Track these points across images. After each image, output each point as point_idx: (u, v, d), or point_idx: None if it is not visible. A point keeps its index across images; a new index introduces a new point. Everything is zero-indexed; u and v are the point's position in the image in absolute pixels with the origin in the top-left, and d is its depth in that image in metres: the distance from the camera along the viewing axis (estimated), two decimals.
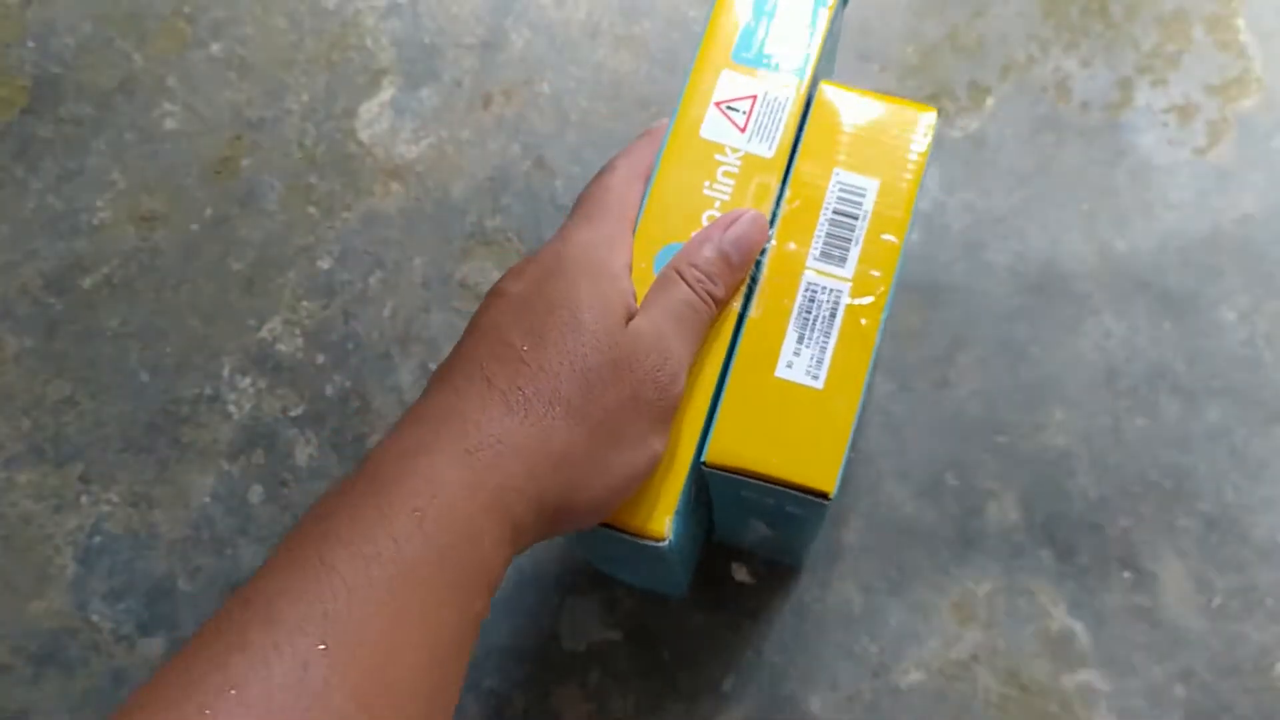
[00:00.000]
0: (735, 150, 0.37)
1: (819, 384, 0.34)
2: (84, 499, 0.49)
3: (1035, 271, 0.49)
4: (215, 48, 0.53)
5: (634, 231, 0.35)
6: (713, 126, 0.37)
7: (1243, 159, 0.50)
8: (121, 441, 0.49)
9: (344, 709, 0.24)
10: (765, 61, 0.37)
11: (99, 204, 0.51)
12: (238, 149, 0.52)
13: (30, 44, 0.53)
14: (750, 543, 0.44)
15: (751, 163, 0.36)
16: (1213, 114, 0.51)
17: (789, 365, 0.34)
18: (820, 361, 0.34)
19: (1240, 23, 0.52)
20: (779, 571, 0.47)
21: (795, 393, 0.34)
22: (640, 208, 0.36)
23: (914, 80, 0.52)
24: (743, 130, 0.37)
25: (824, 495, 0.33)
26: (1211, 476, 0.47)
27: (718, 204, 0.36)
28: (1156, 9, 0.52)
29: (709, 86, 0.37)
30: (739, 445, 0.34)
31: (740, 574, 0.47)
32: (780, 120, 0.37)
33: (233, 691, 0.24)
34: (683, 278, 0.33)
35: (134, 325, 0.50)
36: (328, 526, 0.27)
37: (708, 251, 0.34)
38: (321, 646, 0.25)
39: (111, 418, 0.49)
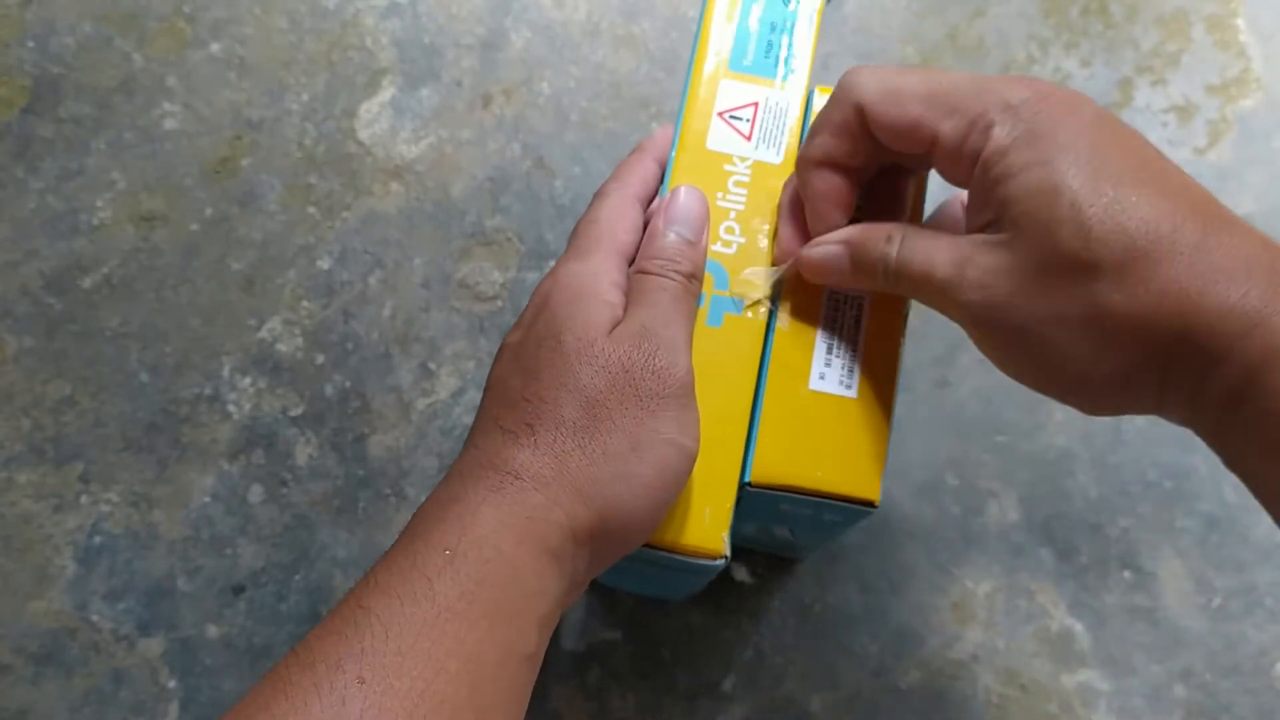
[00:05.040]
0: (744, 159, 0.37)
1: (852, 393, 0.35)
2: (84, 499, 0.49)
3: None
4: (215, 48, 0.53)
5: (629, 254, 0.35)
6: (719, 137, 0.37)
7: (1243, 159, 0.50)
8: (121, 441, 0.49)
9: None
10: (762, 68, 0.37)
11: (99, 204, 0.51)
12: (238, 149, 0.52)
13: (30, 44, 0.53)
14: (762, 543, 0.44)
15: (762, 170, 0.36)
16: (1213, 114, 0.51)
17: (821, 377, 0.35)
18: (851, 370, 0.35)
19: (1240, 23, 0.52)
20: (779, 571, 0.47)
21: (830, 404, 0.34)
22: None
23: None
24: (748, 139, 0.37)
25: (870, 504, 0.33)
26: (1211, 476, 0.47)
27: (733, 214, 0.36)
28: (1156, 9, 0.52)
29: (710, 97, 0.37)
30: (782, 463, 0.34)
31: (740, 574, 0.47)
32: (785, 125, 0.37)
33: None
34: (649, 272, 0.34)
35: (134, 325, 0.50)
36: (368, 578, 0.28)
37: (659, 240, 0.34)
38: (360, 681, 0.25)
39: (111, 418, 0.49)
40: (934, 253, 0.32)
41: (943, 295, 0.31)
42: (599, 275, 0.33)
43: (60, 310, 0.51)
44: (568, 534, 0.29)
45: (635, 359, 0.31)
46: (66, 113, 0.52)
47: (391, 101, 0.53)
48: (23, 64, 0.53)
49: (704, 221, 0.35)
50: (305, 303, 0.50)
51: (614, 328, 0.32)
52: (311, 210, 0.51)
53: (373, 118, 0.52)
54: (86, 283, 0.51)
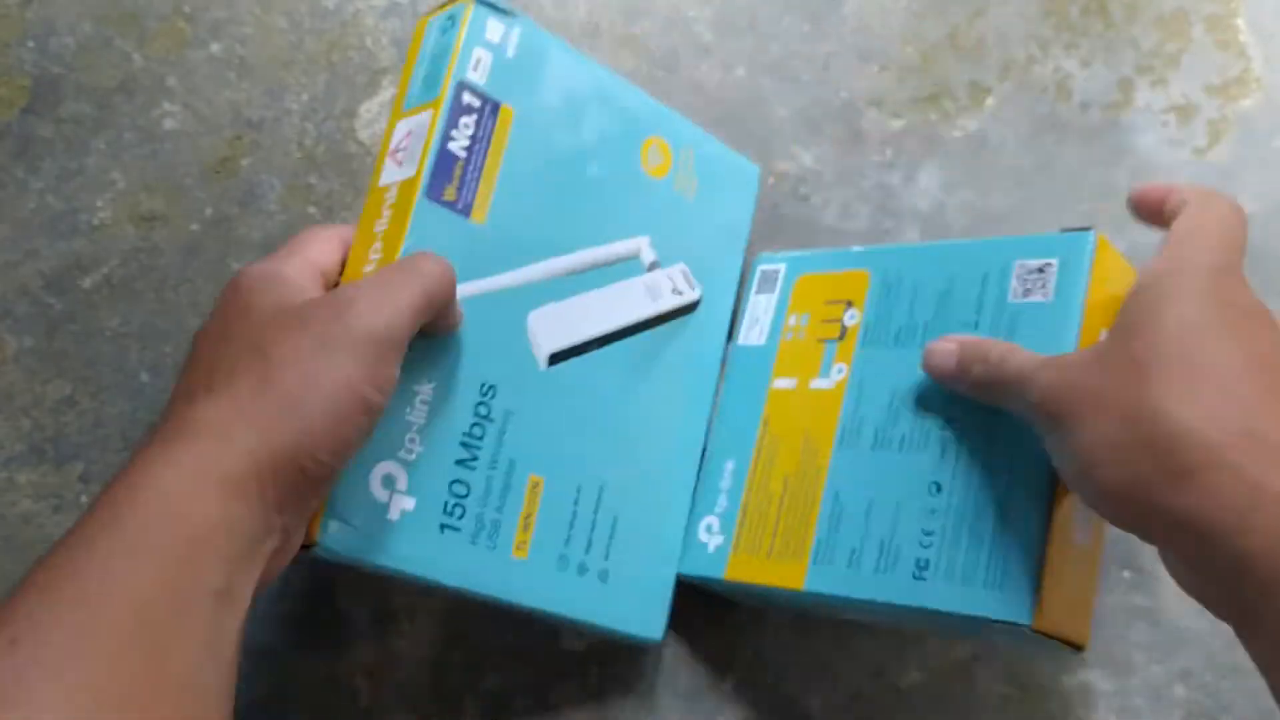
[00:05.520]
0: (394, 184, 0.39)
1: (1089, 541, 0.38)
2: (84, 499, 0.49)
3: None
4: (215, 48, 0.53)
5: (323, 266, 0.38)
6: (387, 175, 0.39)
7: (1243, 159, 0.50)
8: (121, 441, 0.49)
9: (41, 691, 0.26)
10: (422, 97, 0.40)
11: (99, 204, 0.51)
12: (238, 149, 0.52)
13: (30, 44, 0.53)
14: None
15: (404, 188, 0.38)
16: (1213, 114, 0.51)
17: (1080, 532, 0.38)
18: (1088, 519, 0.38)
19: (1240, 23, 0.52)
20: None
21: (1082, 555, 0.38)
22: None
23: (914, 80, 0.52)
24: (400, 165, 0.39)
25: (1080, 648, 0.37)
26: None
27: (380, 235, 0.38)
28: (1156, 9, 0.52)
29: (388, 142, 0.40)
30: (1062, 615, 0.36)
31: None
32: (421, 138, 0.39)
33: None
34: (404, 259, 0.36)
35: (134, 325, 0.50)
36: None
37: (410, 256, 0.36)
38: (11, 643, 0.26)
39: (111, 418, 0.49)
40: (1026, 357, 0.36)
41: (1019, 382, 0.35)
42: (285, 262, 0.35)
43: (60, 310, 0.51)
44: (250, 470, 0.30)
45: (322, 311, 0.32)
46: (66, 113, 0.52)
47: (391, 101, 0.53)
48: (23, 64, 0.53)
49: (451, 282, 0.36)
50: (368, 178, 0.50)
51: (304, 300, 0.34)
52: (311, 210, 0.51)
53: (373, 118, 0.52)
54: (86, 283, 0.51)
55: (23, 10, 0.54)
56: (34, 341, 0.50)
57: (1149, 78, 0.51)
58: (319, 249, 0.37)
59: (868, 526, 0.40)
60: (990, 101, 0.51)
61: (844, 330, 0.44)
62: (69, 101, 0.53)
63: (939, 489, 0.39)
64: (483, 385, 0.39)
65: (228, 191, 0.52)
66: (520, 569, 0.40)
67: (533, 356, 0.41)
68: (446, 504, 0.39)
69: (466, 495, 0.39)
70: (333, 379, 0.31)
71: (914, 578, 0.38)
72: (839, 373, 0.43)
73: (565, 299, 0.42)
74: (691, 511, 0.45)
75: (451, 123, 0.39)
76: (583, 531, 0.41)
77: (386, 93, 0.53)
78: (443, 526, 0.38)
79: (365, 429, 0.33)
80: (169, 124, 0.52)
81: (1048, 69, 0.52)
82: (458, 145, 0.39)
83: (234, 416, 0.31)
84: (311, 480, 0.32)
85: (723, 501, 0.44)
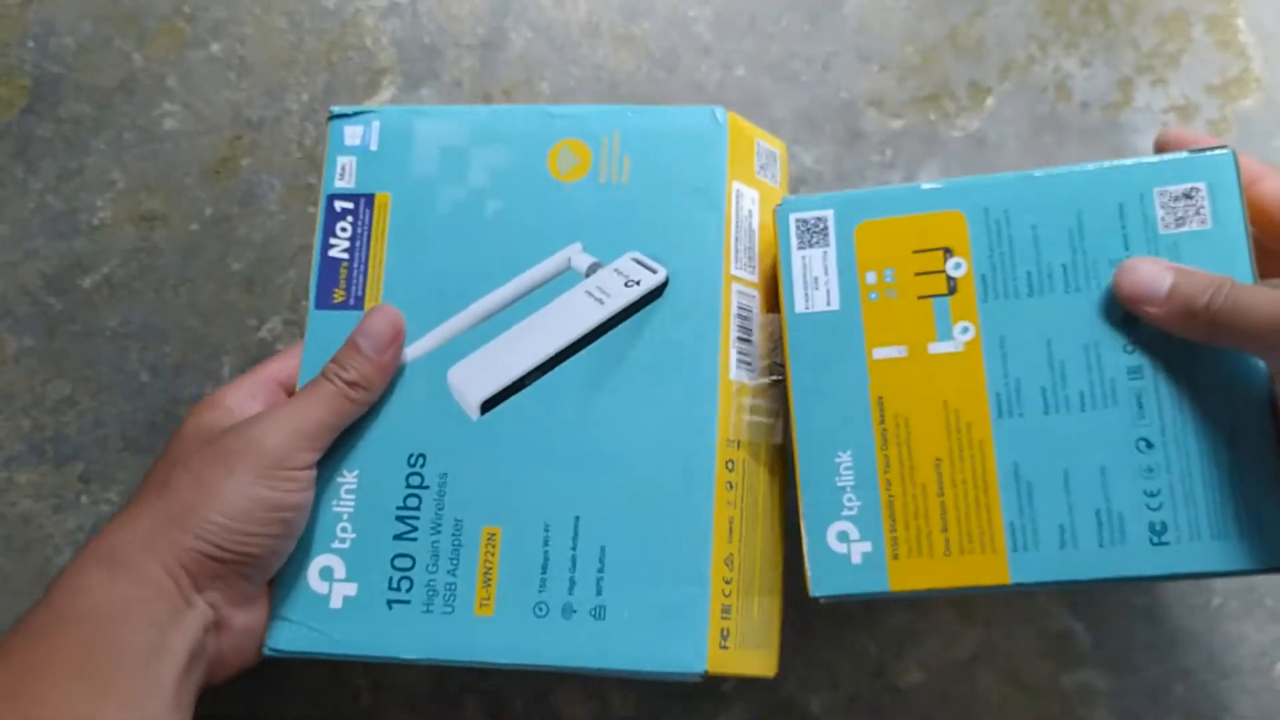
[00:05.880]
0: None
1: None
2: (84, 499, 0.49)
3: None
4: (215, 48, 0.53)
5: (280, 379, 0.42)
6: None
7: None
8: (121, 441, 0.49)
9: None
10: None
11: (99, 204, 0.51)
12: (238, 149, 0.52)
13: (30, 44, 0.53)
14: None
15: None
16: (1213, 114, 0.51)
17: None
18: None
19: (1240, 23, 0.52)
20: None
21: None
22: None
23: (914, 80, 0.52)
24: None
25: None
26: None
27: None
28: (1156, 9, 0.52)
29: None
30: None
31: None
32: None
33: None
34: (320, 373, 0.40)
35: (134, 325, 0.50)
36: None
37: (341, 348, 0.40)
38: None
39: (111, 418, 0.49)
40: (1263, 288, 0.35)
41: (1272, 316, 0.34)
42: (236, 388, 0.40)
43: (60, 310, 0.51)
44: (154, 559, 0.36)
45: (228, 435, 0.38)
46: (66, 113, 0.52)
47: (391, 101, 0.53)
48: (23, 64, 0.53)
49: (388, 338, 0.40)
50: (305, 303, 0.50)
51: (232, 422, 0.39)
52: (311, 210, 0.51)
53: None
54: (86, 283, 0.51)
55: (23, 10, 0.54)
56: (34, 341, 0.50)
57: (1149, 78, 0.51)
58: (281, 365, 0.42)
59: (1070, 499, 0.36)
60: (990, 101, 0.51)
61: (953, 283, 0.39)
62: (69, 101, 0.53)
63: (1149, 445, 0.36)
64: (411, 456, 0.40)
65: (228, 191, 0.52)
66: (486, 627, 0.38)
67: (463, 413, 0.41)
68: (391, 580, 0.39)
69: (411, 567, 0.39)
70: (230, 488, 0.36)
71: (1152, 544, 0.35)
72: (964, 332, 0.39)
73: (485, 345, 0.41)
74: (807, 523, 0.38)
75: (329, 231, 0.43)
76: (561, 572, 0.39)
77: (386, 93, 0.53)
78: (390, 603, 0.39)
79: (276, 528, 0.38)
80: (169, 124, 0.52)
81: (1048, 69, 0.52)
82: (338, 250, 0.42)
83: (146, 519, 0.37)
84: (229, 566, 0.37)
85: (851, 502, 0.38)
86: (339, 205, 0.43)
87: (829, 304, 0.40)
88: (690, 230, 0.41)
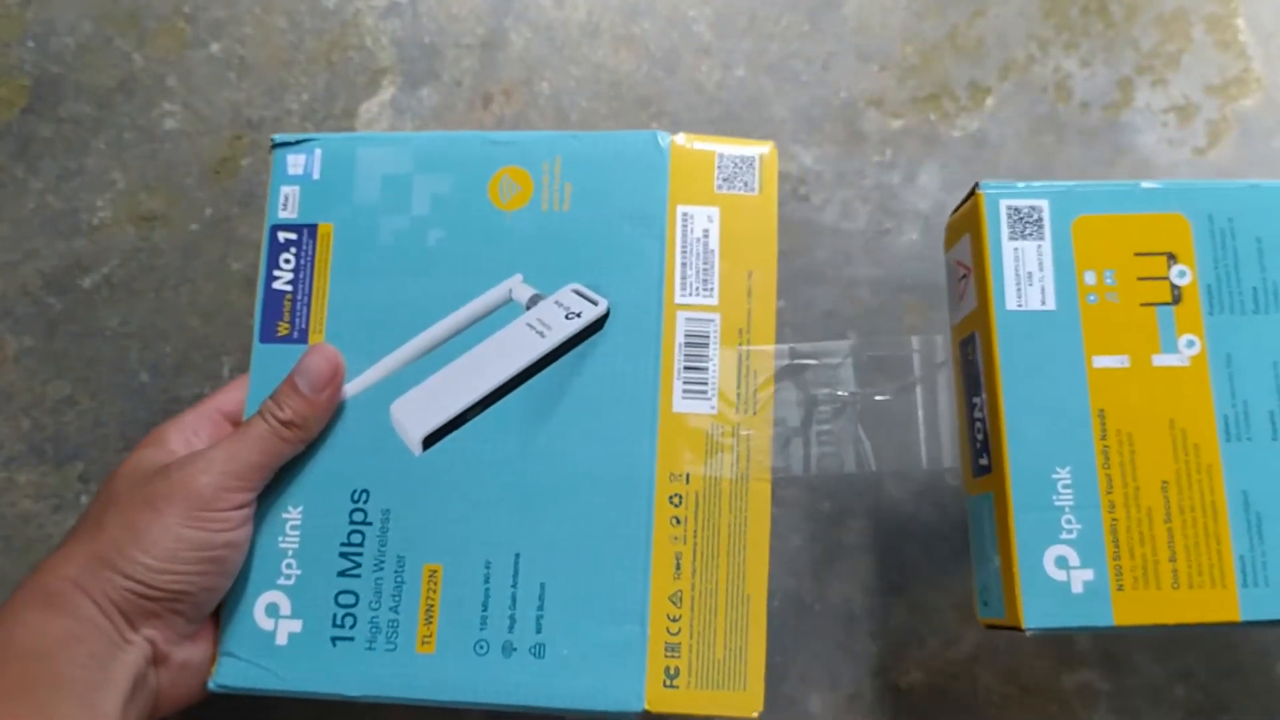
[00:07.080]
0: None
1: None
2: (84, 499, 0.49)
3: None
4: (215, 48, 0.53)
5: (226, 412, 0.41)
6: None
7: (1243, 159, 0.50)
8: (121, 441, 0.49)
9: None
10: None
11: (99, 204, 0.51)
12: (238, 149, 0.52)
13: (30, 44, 0.53)
14: None
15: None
16: (1213, 114, 0.51)
17: None
18: None
19: (1240, 23, 0.52)
20: (779, 571, 0.47)
21: None
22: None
23: (914, 80, 0.52)
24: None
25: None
26: None
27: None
28: (1156, 9, 0.52)
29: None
30: None
31: None
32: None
33: None
34: (259, 409, 0.39)
35: (134, 325, 0.50)
36: None
37: (278, 387, 0.39)
38: None
39: (111, 418, 0.49)
40: None
41: None
42: (168, 429, 0.40)
43: (60, 310, 0.51)
44: (85, 596, 0.36)
45: (157, 476, 0.37)
46: (66, 113, 0.52)
47: (391, 101, 0.53)
48: (23, 64, 0.53)
49: (325, 377, 0.39)
50: None
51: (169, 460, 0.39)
52: None
53: (373, 118, 0.52)
54: (86, 283, 0.51)
55: (23, 10, 0.54)
56: (34, 341, 0.50)
57: (1149, 78, 0.51)
58: (227, 396, 0.42)
59: None
60: (990, 101, 0.51)
61: (1177, 292, 0.37)
62: (69, 101, 0.53)
63: None
64: (354, 492, 0.40)
65: (228, 191, 0.52)
66: (428, 664, 0.38)
67: (405, 448, 0.40)
68: (335, 616, 0.39)
69: (355, 603, 0.39)
70: (158, 529, 0.36)
71: None
72: (1190, 346, 0.36)
73: (427, 379, 0.41)
74: (1020, 546, 0.35)
75: (273, 263, 0.42)
76: (501, 610, 0.38)
77: (386, 93, 0.53)
78: (335, 639, 0.39)
79: (207, 566, 0.37)
80: (169, 124, 0.52)
81: (1048, 69, 0.52)
82: (281, 282, 0.42)
83: (77, 559, 0.37)
84: (161, 604, 0.37)
85: (1071, 524, 0.35)
86: (282, 236, 0.42)
87: (1044, 303, 0.37)
88: (631, 258, 0.41)
